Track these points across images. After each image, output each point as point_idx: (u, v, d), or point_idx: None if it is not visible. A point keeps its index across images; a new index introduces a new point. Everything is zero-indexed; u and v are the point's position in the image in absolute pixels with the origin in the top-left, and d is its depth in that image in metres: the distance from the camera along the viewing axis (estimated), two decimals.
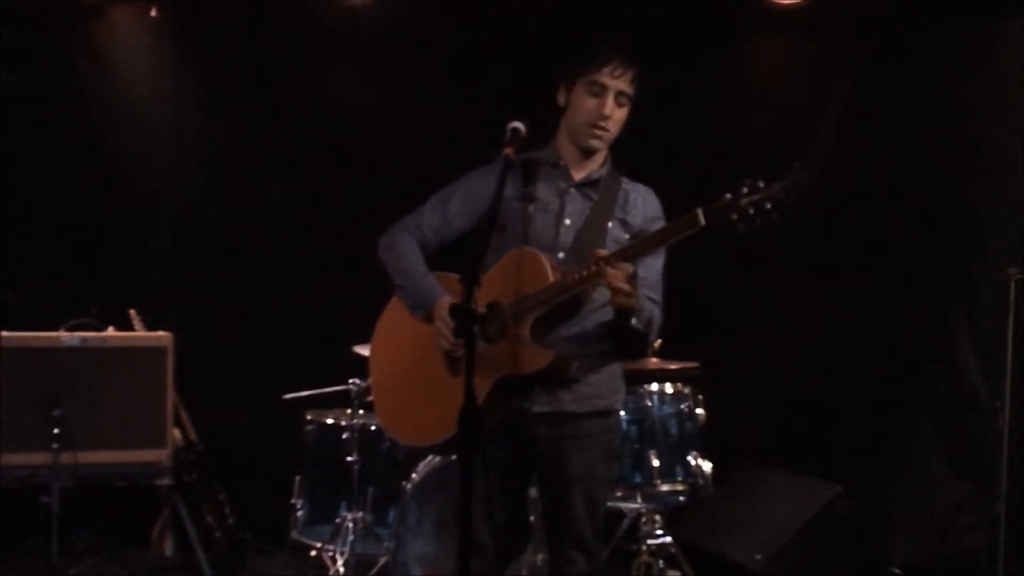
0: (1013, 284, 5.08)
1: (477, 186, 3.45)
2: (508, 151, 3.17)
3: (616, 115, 3.35)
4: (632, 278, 3.06)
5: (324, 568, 5.02)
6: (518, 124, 3.22)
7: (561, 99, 3.42)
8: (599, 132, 3.36)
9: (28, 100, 5.85)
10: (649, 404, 4.81)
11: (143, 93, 6.07)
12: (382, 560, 4.89)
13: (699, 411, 4.85)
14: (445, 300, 3.28)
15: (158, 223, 6.09)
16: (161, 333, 4.86)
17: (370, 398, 4.81)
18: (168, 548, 5.19)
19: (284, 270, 6.09)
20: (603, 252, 3.12)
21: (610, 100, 3.32)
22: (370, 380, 3.61)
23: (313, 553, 5.12)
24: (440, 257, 3.52)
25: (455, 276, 3.39)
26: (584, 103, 3.35)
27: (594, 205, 3.38)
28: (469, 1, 5.90)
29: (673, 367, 4.95)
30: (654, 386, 4.85)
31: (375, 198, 5.19)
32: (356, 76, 6.09)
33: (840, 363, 5.70)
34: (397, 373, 3.46)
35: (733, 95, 5.94)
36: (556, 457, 3.33)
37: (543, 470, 3.39)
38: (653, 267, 3.35)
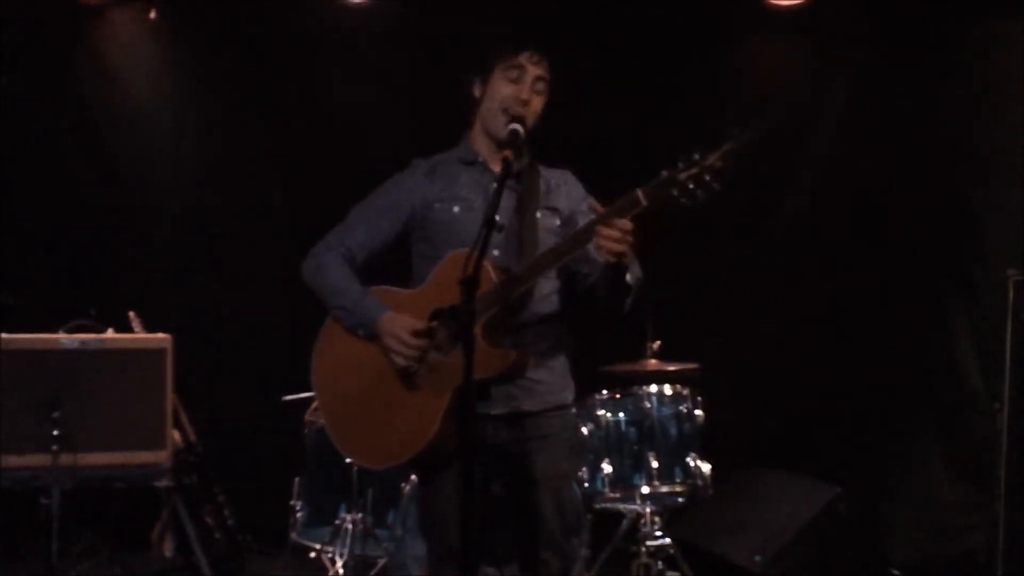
0: (1012, 286, 5.08)
1: (397, 194, 3.38)
2: (507, 153, 3.11)
3: (534, 102, 3.28)
4: (628, 234, 2.96)
5: (324, 569, 5.02)
6: (517, 126, 3.19)
7: (476, 91, 3.34)
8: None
9: (28, 102, 5.86)
10: (648, 405, 4.81)
11: (143, 94, 6.09)
12: (381, 561, 4.91)
13: (698, 412, 4.85)
14: (391, 315, 3.21)
15: (158, 224, 6.10)
16: (160, 335, 4.85)
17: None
18: (168, 550, 5.18)
19: (284, 271, 6.05)
20: (598, 207, 3.02)
21: (528, 84, 3.26)
22: (320, 411, 3.46)
23: (313, 555, 5.13)
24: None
25: (389, 288, 3.31)
26: (502, 88, 3.27)
27: (520, 197, 3.29)
28: (469, 1, 5.89)
29: (672, 368, 4.94)
30: (653, 387, 4.85)
31: None
32: (356, 77, 6.09)
33: (840, 364, 5.70)
34: (348, 398, 3.32)
35: (732, 95, 5.93)
36: (521, 459, 3.27)
37: (509, 473, 3.31)
38: None
